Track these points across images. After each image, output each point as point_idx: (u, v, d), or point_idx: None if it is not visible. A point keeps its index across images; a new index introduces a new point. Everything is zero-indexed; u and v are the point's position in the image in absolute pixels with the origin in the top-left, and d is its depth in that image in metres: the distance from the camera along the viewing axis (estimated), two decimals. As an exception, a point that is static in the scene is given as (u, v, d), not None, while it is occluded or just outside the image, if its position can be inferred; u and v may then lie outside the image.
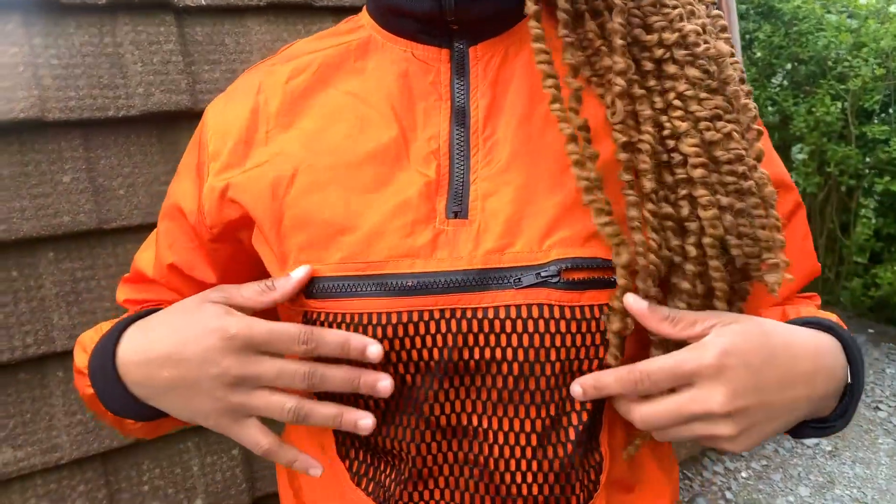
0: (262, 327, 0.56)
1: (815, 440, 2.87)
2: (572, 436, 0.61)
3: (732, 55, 0.62)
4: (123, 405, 0.64)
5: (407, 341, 0.58)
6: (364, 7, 0.73)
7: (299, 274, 0.59)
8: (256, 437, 0.60)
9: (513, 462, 0.61)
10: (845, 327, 0.67)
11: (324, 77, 0.69)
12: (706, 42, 0.60)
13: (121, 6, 1.18)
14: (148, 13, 1.21)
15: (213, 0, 1.26)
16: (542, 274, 0.57)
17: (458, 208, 0.61)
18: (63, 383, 1.19)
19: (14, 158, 1.12)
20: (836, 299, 4.36)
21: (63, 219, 1.15)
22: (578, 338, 0.58)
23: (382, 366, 0.59)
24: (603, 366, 0.60)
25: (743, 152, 0.59)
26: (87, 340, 0.69)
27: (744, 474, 2.65)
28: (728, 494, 2.53)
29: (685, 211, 0.59)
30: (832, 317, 0.70)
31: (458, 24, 0.64)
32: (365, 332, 0.58)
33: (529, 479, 0.61)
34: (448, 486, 0.63)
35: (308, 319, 0.60)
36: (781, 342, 0.58)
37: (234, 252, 0.72)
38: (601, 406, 0.64)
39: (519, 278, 0.58)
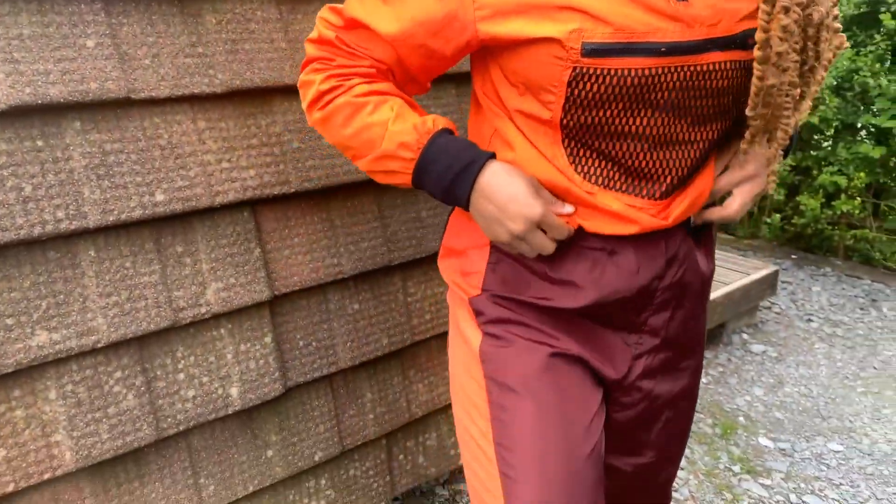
0: (553, 220, 0.86)
1: (762, 348, 3.08)
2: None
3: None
4: (444, 194, 0.89)
5: (653, 87, 0.81)
6: None
7: (570, 209, 0.89)
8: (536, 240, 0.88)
9: (700, 153, 0.90)
10: None
11: None
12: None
13: None
14: None
15: None
16: (739, 41, 0.83)
17: None
18: (96, 263, 1.13)
19: (34, 18, 1.04)
20: (758, 232, 4.64)
21: (90, 85, 1.08)
22: (748, 78, 0.86)
23: (630, 105, 0.82)
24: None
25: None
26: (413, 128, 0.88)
27: (704, 380, 2.81)
28: (693, 398, 2.68)
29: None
30: None
31: None
32: (624, 81, 0.79)
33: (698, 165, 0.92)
34: (648, 175, 0.89)
35: (578, 72, 0.80)
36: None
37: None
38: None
39: (726, 44, 0.82)
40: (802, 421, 2.56)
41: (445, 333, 1.64)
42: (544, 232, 0.88)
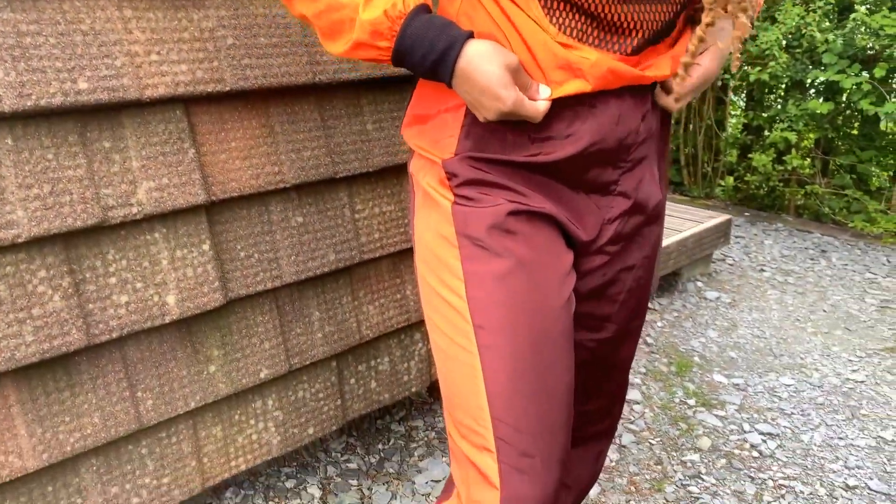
0: (524, 111, 0.85)
1: (716, 295, 3.11)
2: None
3: None
4: (425, 70, 0.86)
5: None
6: None
7: (546, 93, 0.87)
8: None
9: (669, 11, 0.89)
10: None
11: None
12: None
13: None
14: None
15: None
16: None
17: None
18: (14, 153, 1.06)
19: None
20: (712, 192, 4.70)
21: (1, -42, 1.01)
22: None
23: None
24: None
25: None
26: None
27: (659, 324, 2.83)
28: (649, 339, 2.69)
29: None
30: None
31: None
32: None
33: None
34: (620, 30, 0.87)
35: None
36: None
37: None
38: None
39: None
40: (755, 359, 2.59)
41: (396, 254, 1.60)
42: None
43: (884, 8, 3.72)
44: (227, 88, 1.24)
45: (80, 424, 1.19)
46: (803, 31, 3.84)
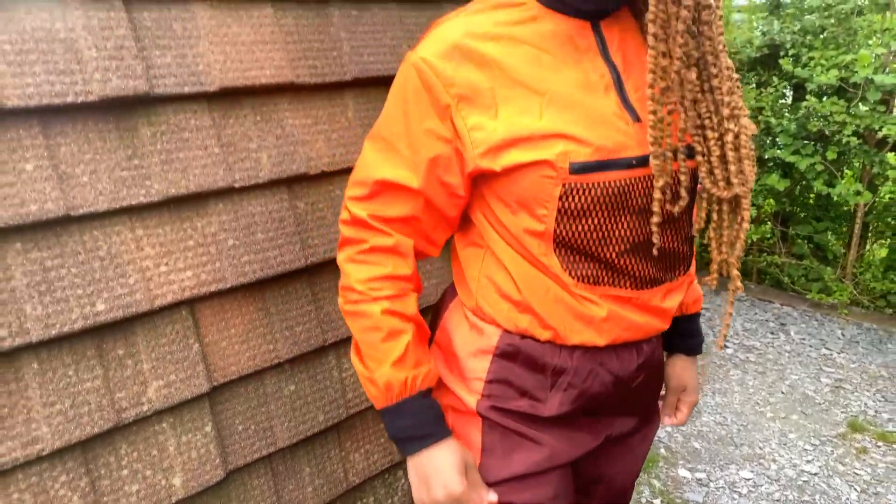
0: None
1: (681, 378, 3.28)
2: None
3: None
4: (401, 439, 1.07)
5: (627, 194, 0.97)
6: None
7: (494, 498, 1.07)
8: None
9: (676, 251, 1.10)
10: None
11: (514, 37, 0.98)
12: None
13: (70, -9, 1.17)
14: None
15: (159, -14, 1.27)
16: (669, 154, 0.97)
17: (634, 117, 0.98)
18: (38, 375, 1.17)
19: (-27, 148, 1.09)
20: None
21: (30, 208, 1.13)
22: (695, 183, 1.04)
23: (619, 210, 0.97)
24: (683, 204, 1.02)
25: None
26: (395, 379, 1.05)
27: (628, 413, 2.98)
28: (618, 432, 2.84)
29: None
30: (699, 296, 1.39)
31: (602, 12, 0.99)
32: (605, 192, 0.95)
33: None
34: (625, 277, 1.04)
35: (567, 188, 0.95)
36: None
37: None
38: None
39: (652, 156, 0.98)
40: (717, 450, 2.75)
41: (380, 402, 1.73)
42: None
43: (833, 95, 3.97)
44: (229, 286, 1.37)
45: None
46: (758, 116, 4.07)
